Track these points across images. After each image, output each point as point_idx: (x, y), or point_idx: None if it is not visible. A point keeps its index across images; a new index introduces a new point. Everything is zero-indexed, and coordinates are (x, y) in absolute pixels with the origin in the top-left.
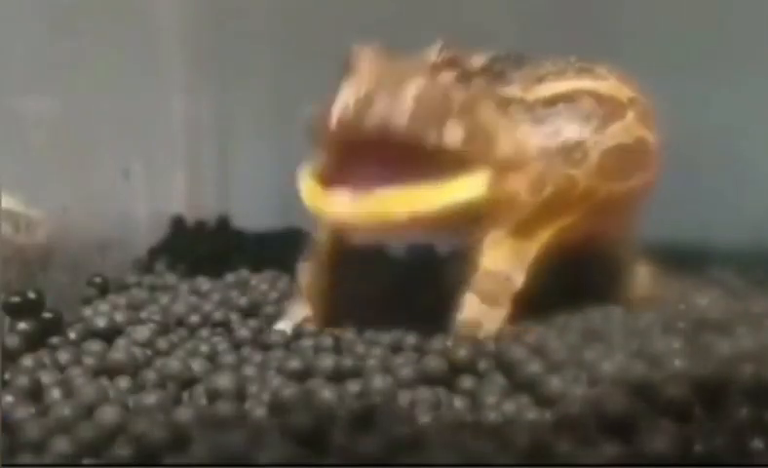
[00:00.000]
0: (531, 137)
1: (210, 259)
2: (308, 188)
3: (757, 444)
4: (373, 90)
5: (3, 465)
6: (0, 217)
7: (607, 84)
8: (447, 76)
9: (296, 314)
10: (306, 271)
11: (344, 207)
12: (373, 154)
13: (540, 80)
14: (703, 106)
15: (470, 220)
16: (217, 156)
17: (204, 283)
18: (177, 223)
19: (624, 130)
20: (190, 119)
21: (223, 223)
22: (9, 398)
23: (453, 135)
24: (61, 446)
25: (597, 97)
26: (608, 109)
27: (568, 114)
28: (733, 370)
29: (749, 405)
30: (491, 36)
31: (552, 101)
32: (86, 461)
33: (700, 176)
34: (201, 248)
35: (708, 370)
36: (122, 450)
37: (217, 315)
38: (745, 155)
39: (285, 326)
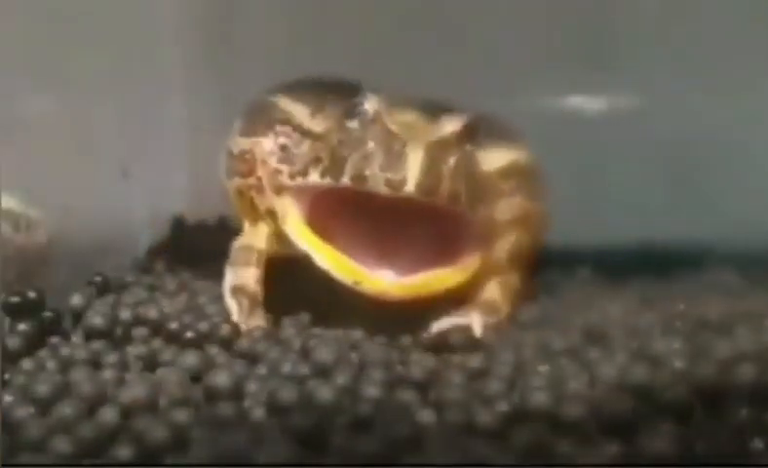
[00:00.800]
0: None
1: (210, 259)
2: (333, 258)
3: None
4: (431, 163)
5: (3, 465)
6: (0, 217)
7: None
8: (469, 146)
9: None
10: (249, 277)
11: (391, 288)
12: (406, 226)
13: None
14: (703, 107)
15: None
16: (218, 156)
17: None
18: (177, 223)
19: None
20: (190, 119)
21: (223, 223)
22: (9, 398)
23: (484, 207)
24: (61, 446)
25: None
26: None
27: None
28: None
29: None
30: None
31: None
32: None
33: (699, 177)
34: (201, 248)
35: None
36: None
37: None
38: (745, 156)
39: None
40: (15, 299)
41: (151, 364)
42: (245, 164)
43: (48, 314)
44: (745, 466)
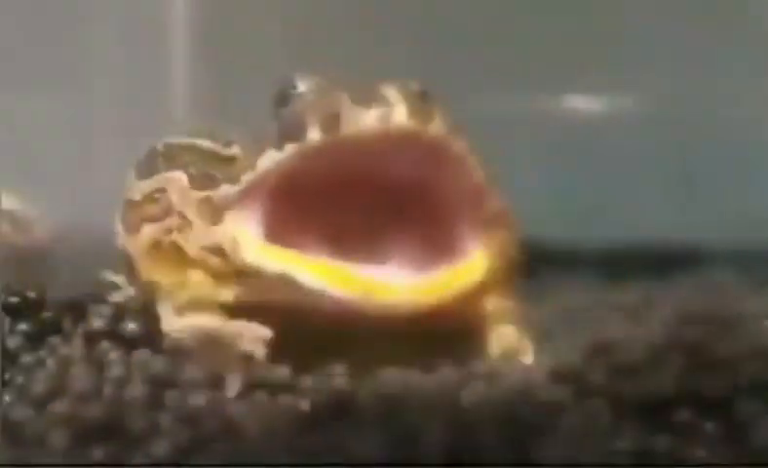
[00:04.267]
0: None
1: None
2: (324, 271)
3: None
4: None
5: (3, 465)
6: (0, 217)
7: None
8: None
9: None
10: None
11: (409, 292)
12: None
13: None
14: (703, 106)
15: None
16: None
17: None
18: None
19: None
20: (190, 120)
21: None
22: (8, 398)
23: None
24: (61, 445)
25: None
26: None
27: None
28: None
29: None
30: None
31: None
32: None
33: (700, 178)
34: None
35: None
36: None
37: None
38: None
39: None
40: (15, 299)
41: (151, 363)
42: (156, 205)
43: (48, 314)
44: (745, 466)
